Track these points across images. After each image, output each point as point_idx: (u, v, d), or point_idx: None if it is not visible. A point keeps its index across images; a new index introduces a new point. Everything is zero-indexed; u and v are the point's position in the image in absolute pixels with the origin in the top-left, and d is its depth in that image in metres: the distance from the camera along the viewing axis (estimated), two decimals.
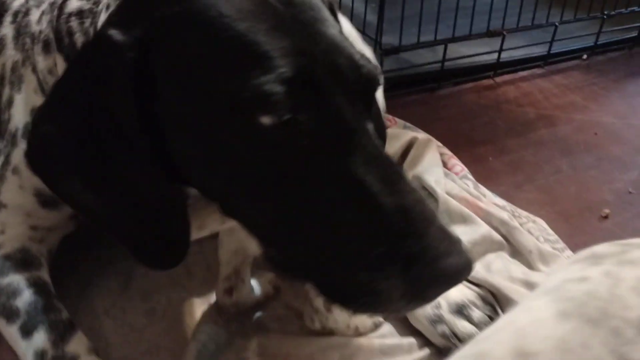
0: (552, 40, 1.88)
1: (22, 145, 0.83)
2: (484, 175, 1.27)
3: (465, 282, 0.92)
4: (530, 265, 0.99)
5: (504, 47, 1.79)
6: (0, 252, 0.83)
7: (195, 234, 0.68)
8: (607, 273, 0.48)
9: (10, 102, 0.86)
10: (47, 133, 0.63)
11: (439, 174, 1.13)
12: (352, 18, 1.59)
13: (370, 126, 0.61)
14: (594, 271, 0.49)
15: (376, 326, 0.87)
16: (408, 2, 1.58)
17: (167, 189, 0.61)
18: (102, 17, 0.73)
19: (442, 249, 0.55)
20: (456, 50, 1.75)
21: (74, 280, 0.91)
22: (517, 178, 1.31)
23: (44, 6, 0.87)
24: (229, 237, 0.81)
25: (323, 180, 0.57)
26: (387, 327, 0.88)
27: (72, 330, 0.76)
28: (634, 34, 2.08)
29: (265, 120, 0.55)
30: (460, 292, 0.90)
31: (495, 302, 0.91)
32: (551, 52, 1.90)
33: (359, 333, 0.85)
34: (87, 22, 0.77)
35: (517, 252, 1.00)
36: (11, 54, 0.88)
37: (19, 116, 0.85)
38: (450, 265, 0.55)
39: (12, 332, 0.76)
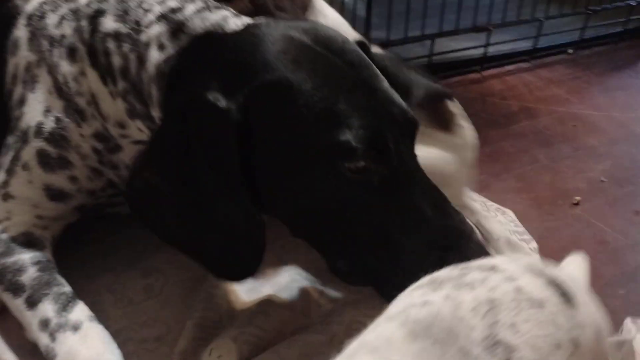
0: (538, 35, 1.95)
1: (33, 143, 0.88)
2: None
3: None
4: (497, 252, 1.06)
5: (491, 42, 1.87)
6: (6, 235, 0.89)
7: None
8: (447, 297, 0.51)
9: (22, 101, 0.91)
10: (148, 179, 0.76)
11: None
12: (342, 12, 1.67)
13: (418, 161, 0.75)
14: (435, 296, 0.52)
15: None
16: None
17: (257, 221, 0.74)
18: (154, 54, 0.81)
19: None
20: (445, 44, 1.83)
21: (79, 261, 0.99)
22: (495, 167, 1.38)
23: (63, 11, 0.91)
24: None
25: (389, 209, 0.71)
26: None
27: (75, 301, 0.83)
28: (619, 29, 2.15)
29: (346, 166, 0.69)
30: None
31: None
32: (538, 46, 1.98)
33: None
34: (126, 47, 0.83)
35: (485, 239, 1.07)
36: (25, 54, 0.92)
37: (32, 115, 0.90)
38: None
39: (18, 304, 0.83)
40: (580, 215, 1.24)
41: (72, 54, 0.88)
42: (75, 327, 0.80)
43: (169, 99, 0.80)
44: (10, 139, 0.91)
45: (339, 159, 0.69)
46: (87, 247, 1.01)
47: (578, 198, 1.28)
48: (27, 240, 0.90)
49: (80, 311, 0.82)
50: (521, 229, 1.14)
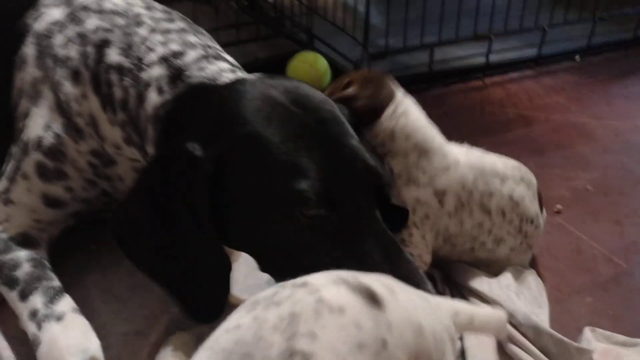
0: (542, 43, 1.96)
1: (32, 156, 0.96)
2: None
3: None
4: None
5: (494, 49, 1.89)
6: (5, 234, 0.98)
7: None
8: (255, 318, 0.54)
9: (26, 114, 0.99)
10: (131, 214, 0.85)
11: None
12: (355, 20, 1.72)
13: (377, 215, 0.80)
14: (247, 318, 0.55)
15: None
16: (398, 6, 1.69)
17: (223, 263, 0.82)
18: (153, 97, 0.90)
19: None
20: (448, 51, 1.86)
21: (72, 259, 1.07)
22: None
23: (69, 33, 0.98)
24: None
25: (340, 254, 0.77)
26: None
27: (61, 295, 0.91)
28: (630, 35, 2.14)
29: (301, 213, 0.76)
30: None
31: None
32: (544, 53, 1.99)
33: None
34: (127, 81, 0.92)
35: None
36: (31, 70, 0.99)
37: (33, 128, 0.98)
38: None
39: (12, 296, 0.92)
40: (560, 223, 1.27)
41: (75, 76, 0.96)
42: (59, 318, 0.88)
43: (161, 143, 0.89)
44: (14, 149, 1.00)
45: (295, 206, 0.75)
46: (81, 245, 1.10)
47: (559, 206, 1.31)
48: (24, 240, 0.99)
49: (65, 303, 0.91)
50: None
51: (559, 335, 0.94)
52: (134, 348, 0.93)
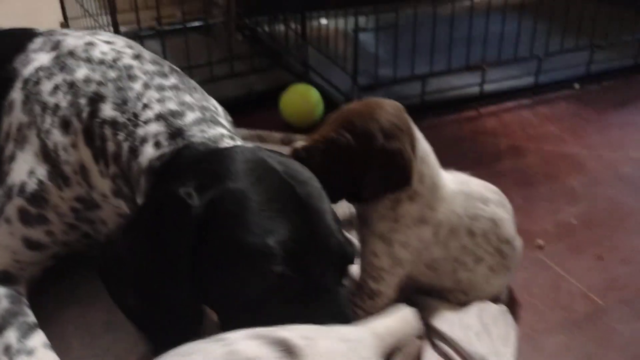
0: (538, 72, 1.96)
1: (15, 201, 0.99)
2: None
3: None
4: None
5: (490, 78, 1.90)
6: None
7: None
8: None
9: (12, 158, 1.02)
10: (118, 251, 0.86)
11: None
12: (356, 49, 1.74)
13: (340, 289, 0.82)
14: None
15: None
16: (389, 37, 1.72)
17: (196, 310, 0.84)
18: (149, 150, 0.92)
19: None
20: (443, 81, 1.87)
21: (51, 293, 1.10)
22: None
23: (57, 80, 1.01)
24: None
25: (296, 317, 0.76)
26: None
27: (34, 330, 0.94)
28: (631, 62, 2.13)
29: (268, 268, 0.77)
30: None
31: None
32: (541, 82, 1.99)
33: None
34: (121, 136, 0.95)
35: None
36: (18, 115, 1.02)
37: (18, 173, 1.00)
38: None
39: None
40: (540, 259, 1.26)
41: (65, 125, 0.99)
42: (30, 352, 0.91)
43: (154, 189, 0.91)
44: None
45: (263, 260, 0.77)
46: (60, 280, 1.13)
47: (541, 241, 1.30)
48: (4, 277, 1.02)
49: (37, 339, 0.94)
50: None
51: None
52: None
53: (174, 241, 0.80)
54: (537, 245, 1.30)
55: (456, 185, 1.05)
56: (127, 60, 1.03)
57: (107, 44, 1.07)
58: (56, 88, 1.01)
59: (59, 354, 0.94)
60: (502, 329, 1.02)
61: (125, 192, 0.97)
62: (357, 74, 1.69)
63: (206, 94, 1.09)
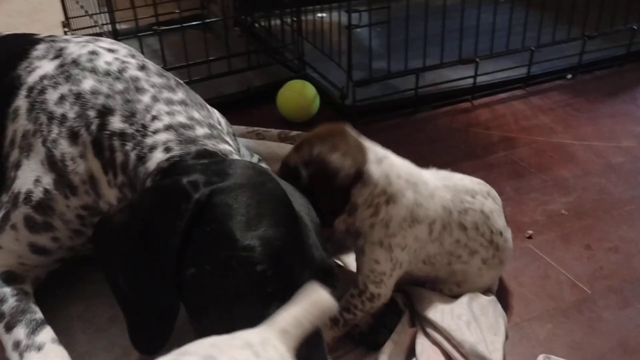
0: (531, 63, 1.99)
1: (21, 209, 1.01)
2: None
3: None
4: None
5: (484, 70, 1.92)
6: None
7: None
8: None
9: (17, 165, 1.04)
10: (114, 226, 0.88)
11: None
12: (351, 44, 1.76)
13: None
14: None
15: None
16: (383, 32, 1.74)
17: (173, 301, 0.84)
18: (158, 155, 0.94)
19: None
20: (436, 74, 1.90)
21: (57, 290, 1.15)
22: None
23: (63, 89, 1.03)
24: None
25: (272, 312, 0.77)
26: None
27: (43, 326, 0.98)
28: (623, 51, 2.15)
29: (249, 264, 0.78)
30: None
31: None
32: (533, 73, 2.01)
33: None
34: (129, 146, 0.97)
35: None
36: (23, 123, 1.04)
37: (23, 181, 1.02)
38: None
39: None
40: (529, 249, 1.30)
41: (73, 136, 1.01)
42: (39, 348, 0.95)
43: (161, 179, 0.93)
44: (4, 198, 1.05)
45: (246, 256, 0.78)
46: (66, 278, 1.17)
47: (530, 232, 1.34)
48: (10, 277, 1.06)
49: (45, 334, 0.98)
50: None
51: None
52: None
53: (168, 226, 0.81)
54: (527, 236, 1.33)
55: (440, 181, 1.08)
56: (132, 71, 1.05)
57: (110, 53, 1.09)
58: (62, 98, 1.03)
59: (66, 348, 0.98)
60: (491, 319, 1.06)
61: (129, 198, 0.99)
62: (352, 69, 1.72)
63: (210, 109, 1.11)
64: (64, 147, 1.01)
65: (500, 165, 1.60)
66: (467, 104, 1.93)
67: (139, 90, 1.02)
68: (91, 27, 2.07)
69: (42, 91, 1.05)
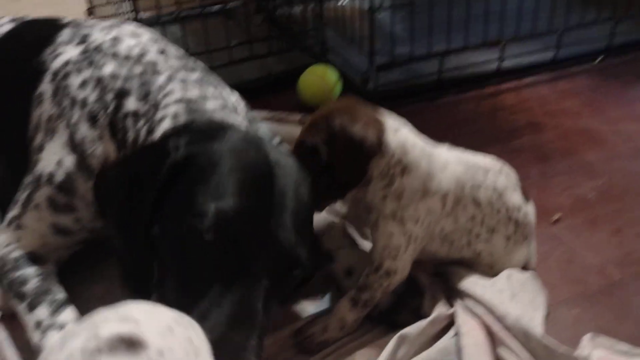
0: (558, 47, 1.94)
1: (44, 190, 1.03)
2: None
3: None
4: None
5: (510, 54, 1.89)
6: (14, 254, 1.06)
7: None
8: None
9: (41, 148, 1.06)
10: (107, 179, 0.92)
11: None
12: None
13: (266, 282, 0.81)
14: None
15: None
16: (407, 15, 1.72)
17: (147, 252, 0.86)
18: (166, 124, 0.95)
19: None
20: (461, 58, 1.86)
21: (81, 269, 1.15)
22: None
23: (86, 74, 1.05)
24: None
25: (213, 287, 0.78)
26: None
27: (65, 307, 0.99)
28: None
29: (203, 230, 0.79)
30: None
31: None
32: (561, 57, 1.96)
33: None
34: (141, 123, 0.99)
35: None
36: (47, 107, 1.07)
37: (46, 163, 1.04)
38: None
39: (21, 309, 1.00)
40: (556, 233, 1.27)
41: (93, 120, 1.03)
42: (61, 327, 0.96)
43: None
44: (28, 179, 1.07)
45: (198, 223, 0.79)
46: (87, 259, 1.18)
47: (557, 216, 1.31)
48: (33, 258, 1.07)
49: (67, 314, 0.98)
50: None
51: (546, 340, 0.96)
52: None
53: (146, 183, 0.84)
54: (553, 221, 1.31)
55: (453, 156, 1.07)
56: (152, 55, 1.07)
57: (133, 38, 1.10)
58: (84, 83, 1.05)
59: None
60: (530, 294, 1.06)
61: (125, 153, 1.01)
62: (374, 53, 1.70)
63: (229, 90, 1.12)
64: (84, 131, 1.03)
65: (526, 149, 1.57)
66: (492, 88, 1.89)
67: (156, 72, 1.03)
68: (114, 15, 2.08)
69: (66, 76, 1.07)
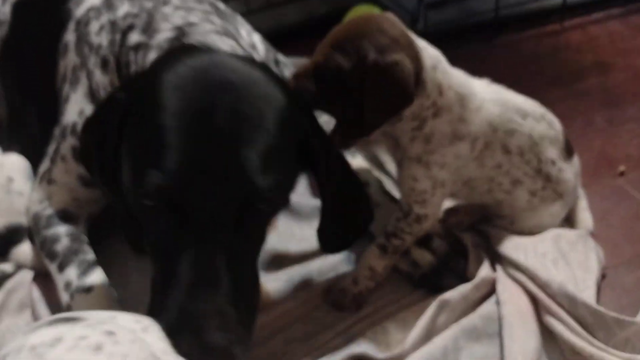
0: None
1: (69, 140, 1.03)
2: None
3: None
4: None
5: None
6: (47, 211, 1.05)
7: None
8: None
9: (67, 98, 1.06)
10: (82, 144, 0.91)
11: None
12: None
13: (228, 232, 0.76)
14: None
15: None
16: None
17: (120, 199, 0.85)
18: (152, 56, 0.91)
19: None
20: None
21: (114, 228, 1.12)
22: None
23: (103, 20, 1.03)
24: None
25: (164, 251, 0.78)
26: None
27: (94, 268, 0.98)
28: None
29: (147, 198, 0.76)
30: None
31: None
32: None
33: None
34: (140, 54, 0.95)
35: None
36: (72, 57, 1.05)
37: (70, 114, 1.04)
38: None
39: (52, 268, 1.00)
40: (621, 187, 1.17)
41: (104, 64, 1.01)
42: (89, 290, 0.95)
43: None
44: (56, 131, 1.07)
45: (142, 191, 0.76)
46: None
47: (622, 168, 1.19)
48: (64, 216, 1.06)
49: (96, 275, 0.97)
50: None
51: (595, 306, 0.89)
52: None
53: (108, 132, 0.82)
54: (619, 173, 1.19)
55: (490, 94, 0.96)
56: None
57: None
58: (101, 28, 1.02)
59: (120, 287, 0.98)
60: (581, 255, 0.98)
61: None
62: None
63: (249, 28, 1.06)
64: (98, 77, 1.01)
65: (591, 93, 1.44)
66: (555, 25, 1.74)
67: (165, 3, 0.99)
68: None
69: (87, 23, 1.05)
